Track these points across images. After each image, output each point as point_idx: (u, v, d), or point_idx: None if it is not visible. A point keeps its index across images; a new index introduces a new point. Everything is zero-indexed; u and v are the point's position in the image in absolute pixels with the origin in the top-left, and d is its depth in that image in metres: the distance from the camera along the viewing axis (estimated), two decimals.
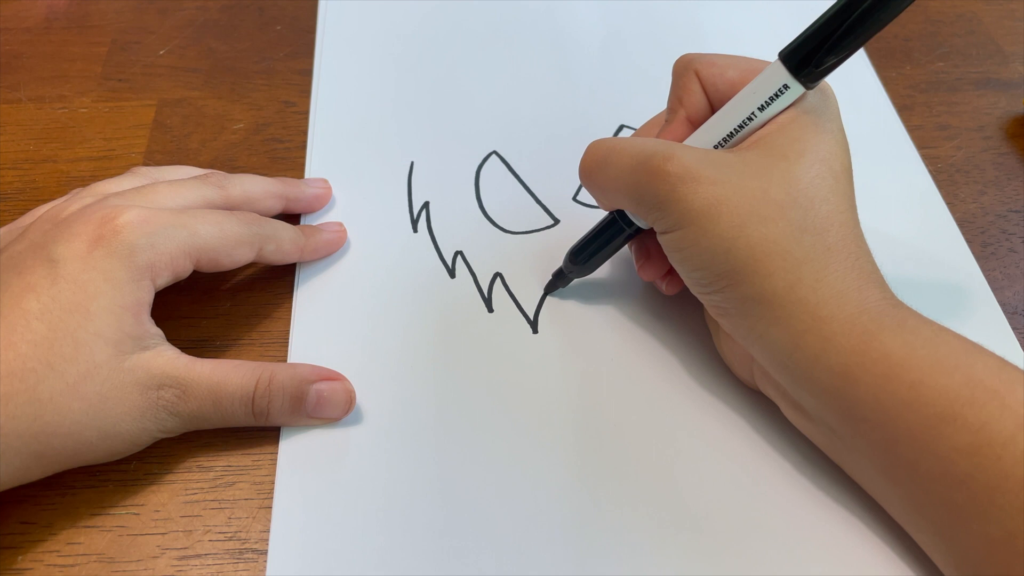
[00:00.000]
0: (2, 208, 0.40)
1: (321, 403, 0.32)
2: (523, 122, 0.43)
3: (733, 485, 0.31)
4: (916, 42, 0.49)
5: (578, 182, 0.41)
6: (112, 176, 0.36)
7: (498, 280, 0.37)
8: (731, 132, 0.30)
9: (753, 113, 0.29)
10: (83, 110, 0.44)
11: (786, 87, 0.28)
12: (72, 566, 0.29)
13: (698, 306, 0.35)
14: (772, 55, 0.29)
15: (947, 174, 0.42)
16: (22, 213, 0.36)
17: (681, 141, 0.32)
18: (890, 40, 0.49)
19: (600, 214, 0.35)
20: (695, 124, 0.32)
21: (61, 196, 0.36)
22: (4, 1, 0.50)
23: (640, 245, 0.35)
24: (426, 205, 0.40)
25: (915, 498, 0.27)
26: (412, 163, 0.41)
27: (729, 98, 0.30)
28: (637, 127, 0.42)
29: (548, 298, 0.36)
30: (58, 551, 0.30)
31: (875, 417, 0.26)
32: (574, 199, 0.40)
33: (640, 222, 0.32)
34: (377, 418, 0.33)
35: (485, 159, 0.42)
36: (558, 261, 0.36)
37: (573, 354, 0.35)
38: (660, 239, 0.31)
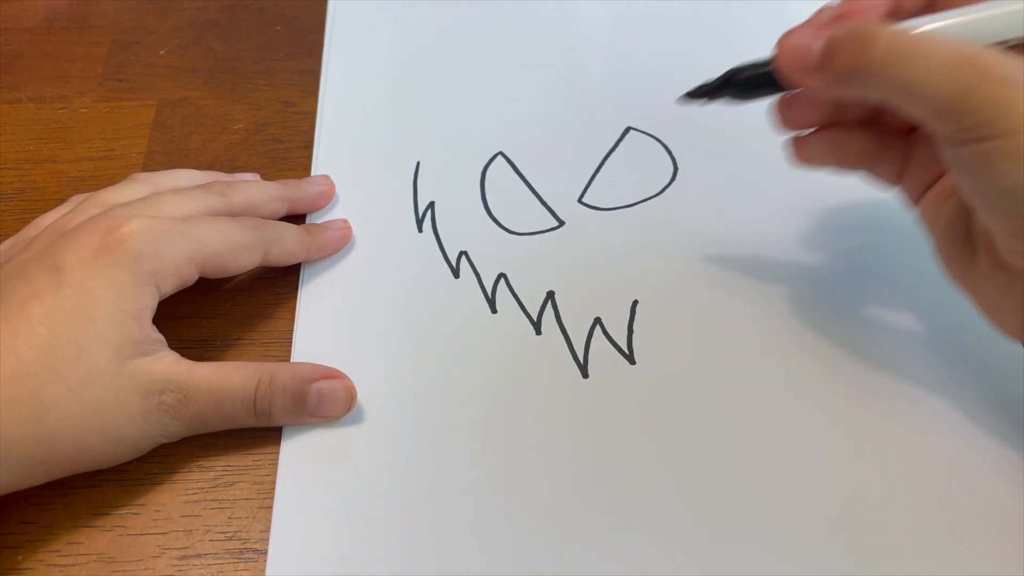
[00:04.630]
0: (2, 208, 0.40)
1: (322, 401, 0.32)
2: (530, 123, 0.43)
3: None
4: None
5: (584, 183, 0.40)
6: (112, 176, 0.36)
7: (502, 281, 0.37)
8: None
9: None
10: (83, 110, 0.44)
11: None
12: (72, 566, 0.29)
13: (710, 308, 0.35)
14: None
15: None
16: (22, 213, 0.36)
17: (880, 13, 0.29)
18: None
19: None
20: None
21: (61, 197, 0.36)
22: (4, 1, 0.50)
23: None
24: (431, 205, 0.40)
25: None
26: (418, 163, 0.41)
27: None
28: (645, 129, 0.42)
29: (550, 300, 0.36)
30: (58, 551, 0.30)
31: None
32: (579, 201, 0.40)
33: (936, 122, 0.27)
34: (378, 418, 0.33)
35: (491, 160, 0.42)
36: (562, 264, 0.35)
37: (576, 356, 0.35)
38: (966, 151, 0.26)
